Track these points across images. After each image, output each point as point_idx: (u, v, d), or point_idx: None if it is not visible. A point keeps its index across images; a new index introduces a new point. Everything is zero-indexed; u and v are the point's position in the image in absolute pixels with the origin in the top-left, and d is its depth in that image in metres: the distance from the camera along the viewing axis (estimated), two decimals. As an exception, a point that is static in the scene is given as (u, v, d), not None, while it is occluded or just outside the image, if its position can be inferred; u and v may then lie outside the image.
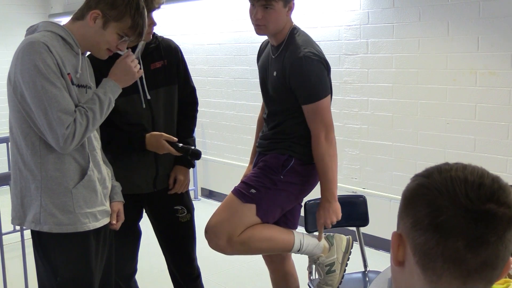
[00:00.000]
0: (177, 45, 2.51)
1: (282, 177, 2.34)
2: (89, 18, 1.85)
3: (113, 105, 1.95)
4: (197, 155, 2.33)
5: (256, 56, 2.61)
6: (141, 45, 2.34)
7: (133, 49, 2.32)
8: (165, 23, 5.59)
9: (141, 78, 2.32)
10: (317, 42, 4.38)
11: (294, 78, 2.26)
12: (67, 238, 1.87)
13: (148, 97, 2.34)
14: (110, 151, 2.27)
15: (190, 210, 2.55)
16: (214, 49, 5.12)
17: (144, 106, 2.33)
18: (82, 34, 1.89)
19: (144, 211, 2.58)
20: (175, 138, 2.32)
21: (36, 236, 1.89)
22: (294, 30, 2.37)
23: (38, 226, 1.85)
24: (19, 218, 1.90)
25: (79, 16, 1.90)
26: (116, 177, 2.16)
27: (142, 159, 2.39)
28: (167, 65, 2.41)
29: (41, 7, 6.73)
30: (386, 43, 3.80)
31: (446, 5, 3.46)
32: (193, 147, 2.35)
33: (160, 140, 2.29)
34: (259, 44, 2.63)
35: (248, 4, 2.32)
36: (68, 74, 1.82)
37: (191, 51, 5.29)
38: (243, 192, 2.34)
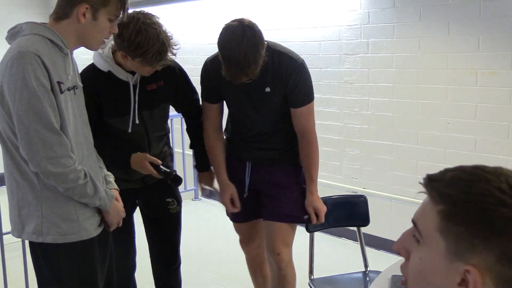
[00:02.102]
0: (177, 64, 2.45)
1: (303, 185, 2.57)
2: (79, 14, 1.76)
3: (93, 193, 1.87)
4: (179, 181, 2.36)
5: (206, 79, 2.45)
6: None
7: (133, 72, 2.27)
8: (165, 23, 5.58)
9: (134, 101, 2.29)
10: (317, 42, 4.40)
11: (297, 84, 2.36)
12: (72, 247, 1.83)
13: (137, 121, 2.31)
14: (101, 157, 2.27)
15: (180, 202, 2.63)
16: (214, 49, 5.10)
17: (130, 130, 2.31)
18: (72, 33, 1.80)
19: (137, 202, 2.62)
20: (159, 161, 2.32)
21: (38, 246, 1.84)
22: (268, 47, 2.32)
23: (40, 237, 1.80)
24: (18, 230, 1.85)
25: (61, 15, 1.80)
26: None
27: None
28: (163, 85, 2.38)
29: (41, 7, 6.72)
30: (387, 43, 3.80)
31: (446, 5, 3.46)
32: (174, 173, 2.33)
33: (143, 161, 2.29)
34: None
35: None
36: (57, 82, 1.75)
37: (191, 51, 5.29)
38: (297, 216, 2.57)
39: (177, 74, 2.44)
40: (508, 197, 0.77)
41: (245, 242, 2.79)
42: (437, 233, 0.81)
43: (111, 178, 2.07)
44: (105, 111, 2.27)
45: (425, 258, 0.83)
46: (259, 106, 2.41)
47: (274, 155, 2.54)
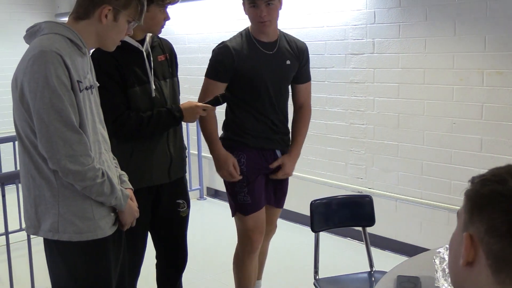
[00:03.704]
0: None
1: None
2: (101, 15, 1.80)
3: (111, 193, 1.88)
4: (227, 96, 2.53)
5: (228, 58, 2.62)
6: (148, 37, 2.41)
7: (142, 42, 2.40)
8: (170, 23, 5.59)
9: (150, 68, 2.39)
10: (323, 42, 4.39)
11: (307, 59, 2.80)
12: (87, 245, 1.84)
13: (157, 85, 2.40)
14: (145, 131, 2.33)
15: (189, 205, 2.60)
16: (220, 48, 5.11)
17: (153, 95, 2.38)
18: (92, 33, 1.84)
19: None
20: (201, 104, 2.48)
21: (53, 244, 1.85)
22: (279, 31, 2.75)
23: (56, 235, 1.81)
24: (33, 228, 1.85)
25: (82, 15, 1.82)
26: (134, 172, 2.18)
27: (156, 148, 2.41)
28: (168, 59, 2.51)
29: (47, 6, 6.74)
30: (392, 42, 3.79)
31: (453, 4, 3.45)
32: (218, 95, 2.48)
33: (193, 104, 2.43)
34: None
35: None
36: (77, 81, 1.76)
37: (196, 50, 5.29)
38: None
39: (174, 53, 2.60)
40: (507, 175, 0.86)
41: (260, 231, 2.78)
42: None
43: (126, 177, 2.08)
44: (127, 82, 2.32)
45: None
46: (280, 78, 2.70)
47: (285, 140, 2.83)
